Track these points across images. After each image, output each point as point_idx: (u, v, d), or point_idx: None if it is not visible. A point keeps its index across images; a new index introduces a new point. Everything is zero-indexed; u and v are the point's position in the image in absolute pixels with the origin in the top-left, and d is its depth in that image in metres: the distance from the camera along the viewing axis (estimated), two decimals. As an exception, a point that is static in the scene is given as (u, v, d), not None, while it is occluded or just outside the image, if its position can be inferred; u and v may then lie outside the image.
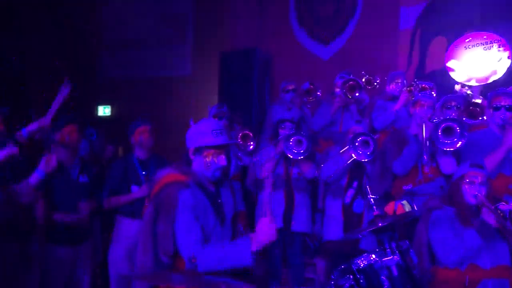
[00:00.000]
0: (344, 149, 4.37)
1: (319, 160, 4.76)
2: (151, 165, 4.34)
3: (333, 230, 4.44)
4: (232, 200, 2.81)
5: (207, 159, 2.61)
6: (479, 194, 3.13)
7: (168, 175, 2.60)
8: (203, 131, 2.63)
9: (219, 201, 2.68)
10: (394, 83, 5.37)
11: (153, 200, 2.55)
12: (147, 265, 2.48)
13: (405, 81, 5.38)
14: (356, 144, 4.23)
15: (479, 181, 3.20)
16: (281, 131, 4.78)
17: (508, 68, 5.55)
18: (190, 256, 2.42)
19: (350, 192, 4.39)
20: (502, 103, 3.88)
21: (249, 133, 5.14)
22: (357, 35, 7.37)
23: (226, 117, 5.14)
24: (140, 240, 2.54)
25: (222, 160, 2.61)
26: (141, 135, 4.32)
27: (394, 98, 5.17)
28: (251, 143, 5.13)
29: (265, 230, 2.38)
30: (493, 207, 3.05)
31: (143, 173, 4.30)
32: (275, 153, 4.66)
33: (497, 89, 4.08)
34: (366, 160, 4.25)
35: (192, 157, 2.66)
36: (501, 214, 3.05)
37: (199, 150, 2.63)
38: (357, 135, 4.26)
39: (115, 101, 8.79)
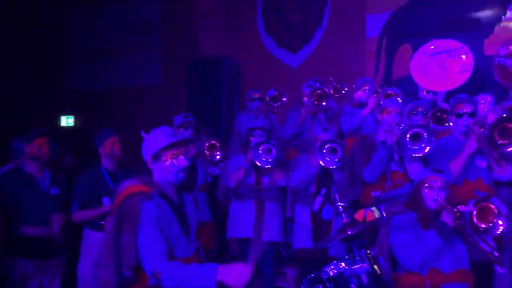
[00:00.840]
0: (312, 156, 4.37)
1: (290, 168, 4.75)
2: (120, 176, 4.20)
3: (303, 238, 4.42)
4: (195, 210, 2.77)
5: (167, 163, 2.56)
6: (438, 198, 3.16)
7: (130, 186, 2.53)
8: (156, 137, 2.60)
9: (183, 211, 2.63)
10: (361, 90, 5.37)
11: (115, 212, 2.48)
12: (109, 280, 2.40)
13: (372, 88, 5.42)
14: (324, 151, 4.22)
15: (439, 185, 3.23)
16: (252, 139, 4.74)
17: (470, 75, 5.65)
18: (153, 271, 2.36)
19: (318, 200, 4.38)
20: (464, 110, 3.94)
21: (216, 143, 5.08)
22: (325, 43, 7.44)
23: (192, 127, 5.06)
24: (102, 254, 2.46)
25: (182, 160, 2.57)
26: (112, 146, 4.27)
27: (362, 105, 5.19)
28: (218, 153, 5.07)
29: (238, 275, 2.36)
30: (454, 210, 3.07)
31: (113, 185, 4.20)
32: (245, 162, 4.61)
33: (458, 96, 4.14)
34: (333, 167, 4.24)
35: (151, 166, 2.61)
36: (461, 215, 3.08)
37: (156, 156, 2.58)
38: (325, 142, 4.25)
39: (79, 111, 8.59)
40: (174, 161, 2.56)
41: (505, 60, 5.11)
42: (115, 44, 8.71)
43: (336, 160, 4.21)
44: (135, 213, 2.40)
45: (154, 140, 2.60)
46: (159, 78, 8.33)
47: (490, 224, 3.16)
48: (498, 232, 3.17)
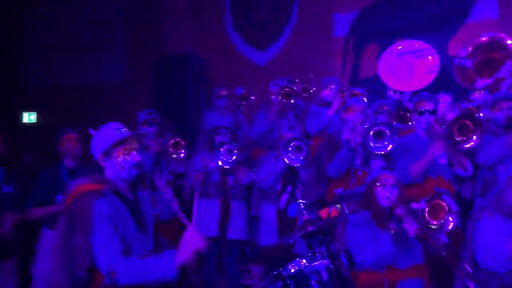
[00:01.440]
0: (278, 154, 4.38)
1: (255, 167, 4.75)
2: (80, 174, 4.13)
3: (269, 235, 4.43)
4: (152, 206, 2.71)
5: (119, 159, 2.49)
6: (391, 196, 3.19)
7: (81, 185, 2.47)
8: (105, 134, 2.52)
9: (139, 208, 2.56)
10: (328, 89, 5.40)
11: (66, 212, 2.41)
12: (60, 282, 2.34)
13: (339, 87, 5.44)
14: (289, 149, 4.24)
15: (391, 183, 3.27)
16: (216, 138, 4.73)
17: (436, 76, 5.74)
18: (109, 270, 2.30)
19: (284, 197, 4.41)
20: (426, 108, 4.02)
21: (180, 140, 5.03)
22: (293, 42, 7.44)
23: (157, 124, 4.99)
24: (53, 255, 2.39)
25: (134, 155, 2.51)
26: (68, 143, 4.26)
27: (328, 104, 5.21)
28: (182, 151, 5.03)
29: (189, 242, 2.32)
30: (405, 208, 3.11)
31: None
32: (210, 162, 4.60)
33: (420, 94, 4.20)
34: (299, 165, 4.26)
35: (103, 164, 2.53)
36: (414, 213, 3.14)
37: (108, 154, 2.50)
38: (290, 140, 4.28)
39: (42, 108, 8.40)
40: (127, 157, 2.50)
41: (465, 61, 5.21)
42: (80, 40, 8.52)
43: (301, 158, 4.26)
44: (87, 212, 2.33)
45: (103, 137, 2.52)
46: (125, 75, 8.19)
47: (442, 221, 3.22)
48: (449, 228, 3.21)
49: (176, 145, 5.01)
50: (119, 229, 2.39)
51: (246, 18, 7.76)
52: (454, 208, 3.20)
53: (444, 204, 3.22)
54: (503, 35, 5.17)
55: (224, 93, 5.65)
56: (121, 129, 2.53)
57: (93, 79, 8.34)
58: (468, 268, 2.99)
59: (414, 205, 3.20)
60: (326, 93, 5.36)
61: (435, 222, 3.21)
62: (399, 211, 3.09)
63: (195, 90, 7.06)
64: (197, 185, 4.61)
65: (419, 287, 3.18)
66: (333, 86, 5.37)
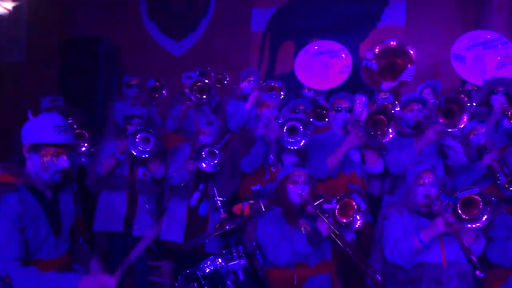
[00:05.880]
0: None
1: (168, 160, 4.56)
2: None
3: (174, 231, 4.28)
4: (74, 206, 2.54)
5: (45, 159, 2.30)
6: (303, 193, 3.23)
7: None
8: (43, 126, 2.31)
9: (56, 208, 2.39)
10: (246, 81, 5.42)
11: None
12: None
13: (257, 79, 5.47)
14: (203, 155, 4.13)
15: (302, 180, 3.30)
16: (129, 128, 4.49)
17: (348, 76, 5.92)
18: (3, 275, 2.11)
19: (196, 195, 4.25)
20: (343, 105, 4.12)
21: (84, 132, 4.72)
22: (210, 34, 7.37)
23: (61, 111, 4.61)
24: None
25: (63, 161, 2.33)
26: None
27: (246, 96, 5.19)
28: (85, 144, 4.75)
29: (96, 278, 2.25)
30: (315, 205, 3.14)
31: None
32: (119, 150, 4.35)
33: (338, 93, 4.29)
34: (211, 171, 4.16)
35: (26, 154, 2.33)
36: (324, 212, 3.15)
37: (36, 147, 2.30)
38: (203, 146, 4.17)
39: None
40: (54, 159, 2.32)
41: (371, 63, 5.44)
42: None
43: (214, 163, 4.15)
44: None
45: (39, 129, 2.31)
46: (27, 55, 7.57)
47: (350, 219, 3.25)
48: (356, 226, 3.26)
49: (79, 137, 4.71)
50: (27, 229, 2.21)
51: (162, 6, 7.52)
52: (363, 206, 3.25)
53: (354, 203, 3.28)
54: (405, 43, 5.49)
55: (134, 82, 5.37)
56: (61, 128, 2.33)
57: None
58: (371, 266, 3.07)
59: (325, 206, 3.21)
60: (244, 85, 5.40)
61: (344, 220, 3.24)
62: (310, 209, 3.12)
63: (105, 77, 6.66)
64: (104, 174, 4.35)
65: (326, 282, 3.22)
66: (252, 78, 5.41)
